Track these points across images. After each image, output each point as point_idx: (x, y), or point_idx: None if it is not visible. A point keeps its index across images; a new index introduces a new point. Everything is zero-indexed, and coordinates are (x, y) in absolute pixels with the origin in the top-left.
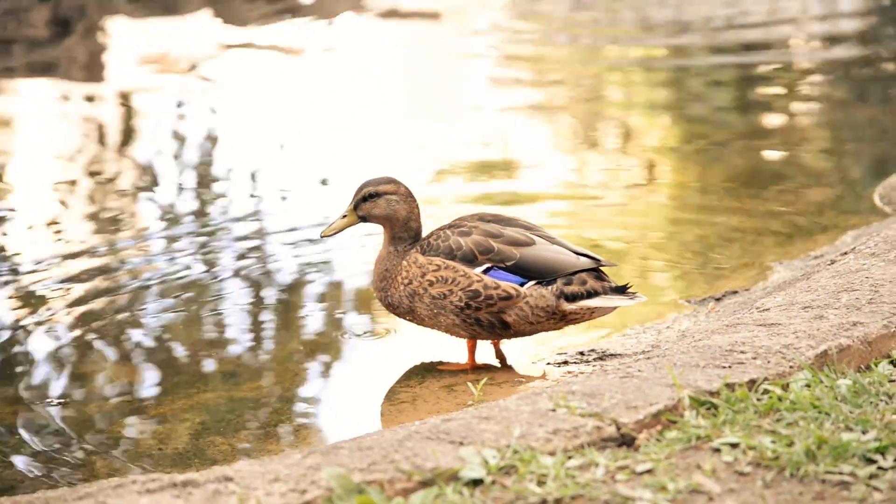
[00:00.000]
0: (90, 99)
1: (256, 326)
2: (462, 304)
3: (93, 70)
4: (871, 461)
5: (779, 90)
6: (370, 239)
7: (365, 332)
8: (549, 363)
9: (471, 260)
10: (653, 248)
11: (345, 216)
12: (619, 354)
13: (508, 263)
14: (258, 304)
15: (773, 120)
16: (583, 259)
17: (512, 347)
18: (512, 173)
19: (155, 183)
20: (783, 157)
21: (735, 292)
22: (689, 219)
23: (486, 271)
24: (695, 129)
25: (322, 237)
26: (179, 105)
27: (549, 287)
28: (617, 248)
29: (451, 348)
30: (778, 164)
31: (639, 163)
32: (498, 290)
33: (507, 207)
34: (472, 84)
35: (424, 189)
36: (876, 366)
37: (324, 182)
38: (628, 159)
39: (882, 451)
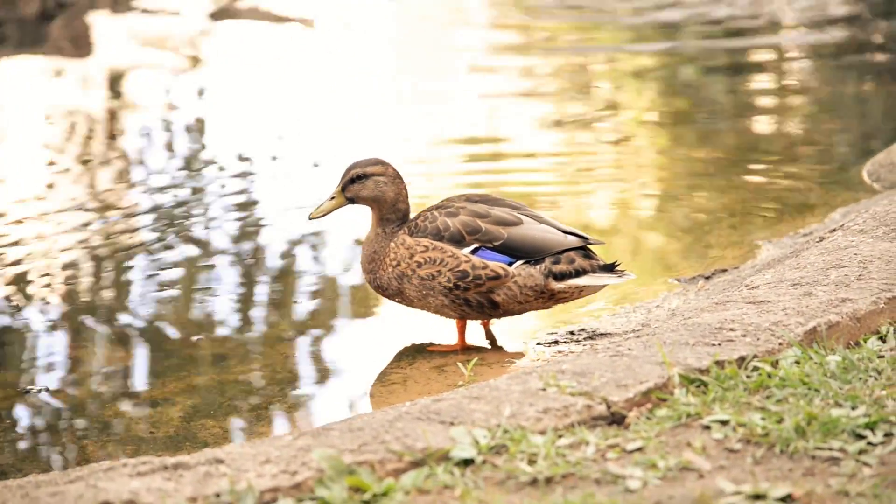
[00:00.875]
0: (79, 77)
1: (247, 309)
2: (451, 284)
3: (81, 47)
4: (860, 437)
5: (767, 70)
6: (359, 220)
7: (355, 314)
8: (539, 343)
9: (458, 240)
10: (642, 227)
11: (333, 198)
12: (610, 333)
13: (496, 243)
14: (248, 286)
15: (761, 99)
16: (571, 238)
17: (502, 327)
18: (499, 154)
19: (142, 163)
20: (771, 135)
21: (724, 270)
22: (679, 197)
23: (474, 251)
24: (683, 108)
25: (310, 219)
26: (167, 85)
27: (538, 266)
28: (606, 227)
29: (440, 329)
30: (766, 143)
31: (627, 142)
32: (486, 269)
33: (496, 188)
34: (462, 62)
35: (413, 168)
36: (865, 342)
37: (315, 164)
38: (617, 139)
39: (871, 426)
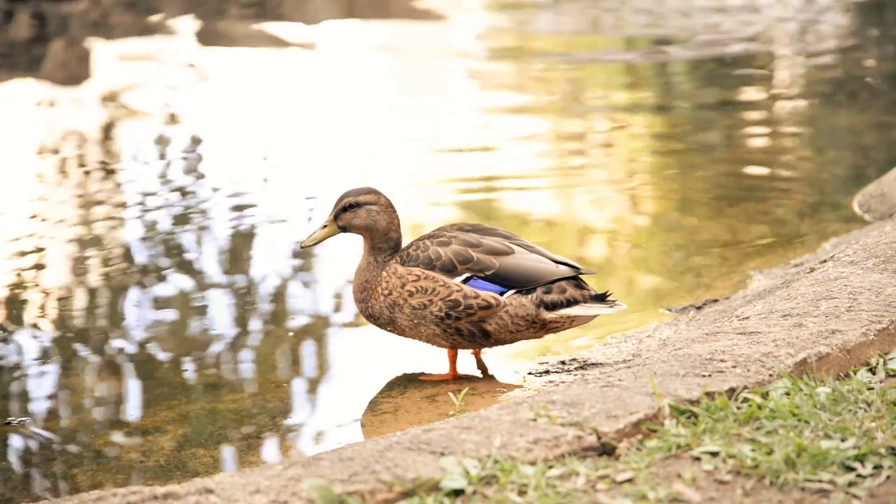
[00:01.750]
0: (73, 101)
1: (238, 337)
2: (442, 314)
3: (75, 71)
4: (850, 469)
5: (760, 101)
6: (351, 248)
7: (346, 343)
8: (530, 372)
9: (450, 270)
10: (634, 257)
11: (325, 226)
12: (601, 363)
13: (488, 273)
14: (240, 314)
15: (753, 128)
16: (562, 267)
17: (493, 357)
18: (493, 181)
19: (136, 189)
20: (763, 165)
21: (715, 300)
22: (670, 227)
23: (465, 281)
24: (676, 140)
25: (302, 247)
26: (162, 107)
27: (529, 296)
28: (598, 257)
29: (432, 358)
30: (758, 173)
31: (620, 173)
32: (478, 299)
33: (488, 216)
34: (455, 85)
35: (403, 196)
36: (855, 374)
37: (309, 191)
38: (609, 170)
39: (861, 458)
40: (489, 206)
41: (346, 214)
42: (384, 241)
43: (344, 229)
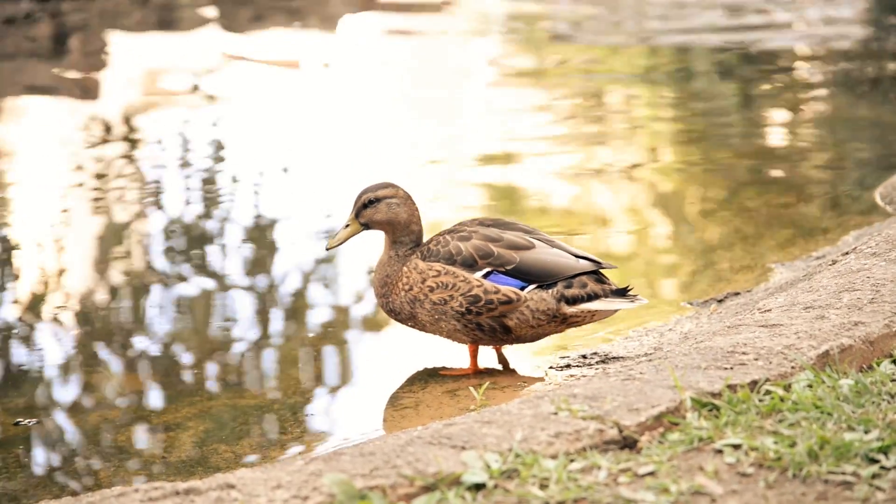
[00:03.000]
0: (91, 113)
1: (260, 333)
2: (463, 309)
3: (93, 86)
4: (873, 461)
5: (782, 91)
6: (372, 245)
7: (367, 338)
8: (551, 366)
9: (471, 265)
10: (655, 250)
11: (347, 225)
12: (622, 357)
13: (508, 267)
14: (262, 311)
15: (775, 121)
16: (583, 262)
17: (514, 351)
18: (513, 172)
19: (158, 193)
20: (785, 157)
21: (737, 293)
22: (692, 220)
23: (486, 276)
24: (698, 132)
25: (327, 249)
26: (182, 118)
27: (550, 290)
28: (619, 251)
29: (453, 353)
30: (780, 165)
31: (640, 167)
32: (498, 294)
33: (509, 210)
34: (473, 86)
35: (424, 194)
36: (878, 365)
37: (327, 191)
38: (631, 163)
39: (885, 450)
40: (510, 203)
41: (366, 211)
42: (406, 234)
43: (366, 226)
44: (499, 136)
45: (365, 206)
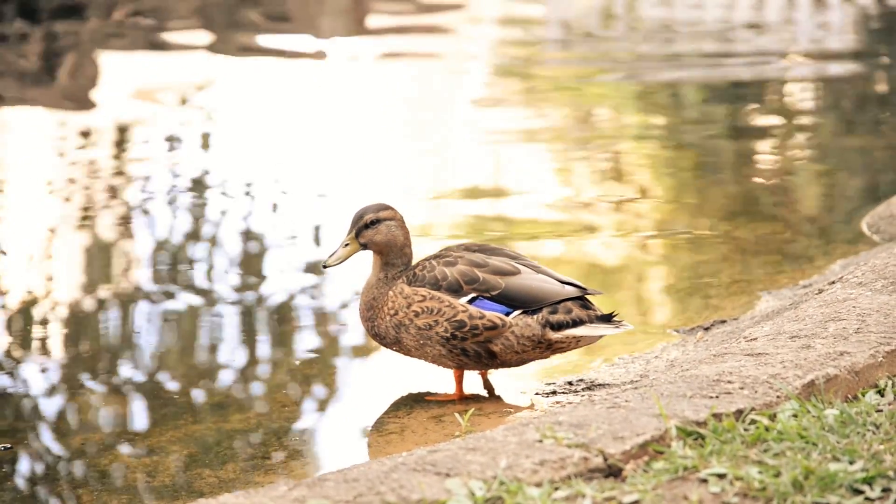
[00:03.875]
0: (82, 130)
1: (246, 357)
2: (448, 334)
3: (83, 101)
4: (858, 492)
5: (771, 118)
6: (361, 266)
7: (353, 363)
8: (537, 393)
9: (456, 290)
10: (642, 277)
11: (347, 245)
12: (608, 384)
13: (494, 293)
14: (249, 334)
15: (764, 148)
16: (568, 287)
17: (500, 377)
18: (502, 199)
19: (146, 212)
20: (773, 186)
21: (723, 321)
22: (679, 247)
23: (471, 301)
24: (686, 159)
25: (325, 267)
26: (171, 134)
27: (535, 316)
28: (606, 277)
29: (438, 378)
30: (768, 194)
31: (629, 191)
32: (483, 319)
33: (497, 233)
34: (462, 107)
35: (414, 215)
36: (863, 395)
37: (318, 215)
38: (619, 187)
39: (869, 481)
40: (498, 230)
41: (367, 231)
42: (399, 257)
43: (364, 246)
44: (487, 164)
45: (367, 226)
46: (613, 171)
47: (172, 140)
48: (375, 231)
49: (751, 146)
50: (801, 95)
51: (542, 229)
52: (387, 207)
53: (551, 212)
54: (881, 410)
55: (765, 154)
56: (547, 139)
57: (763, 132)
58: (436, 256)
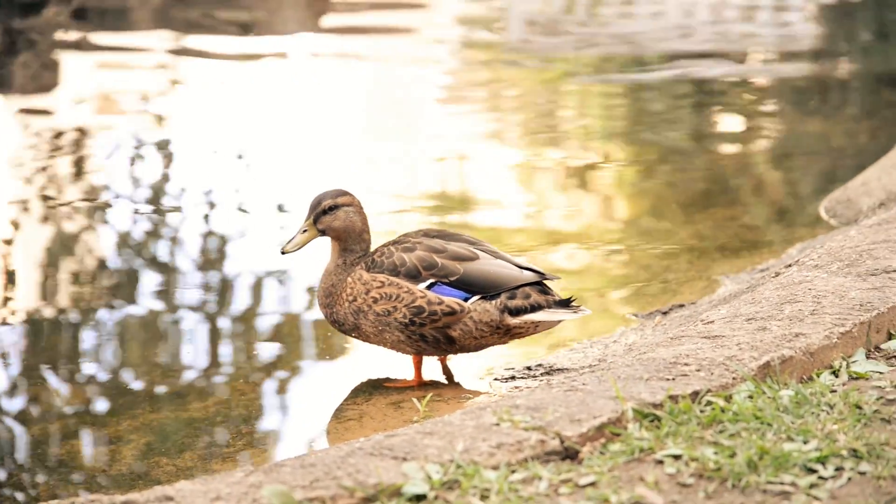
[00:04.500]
0: (39, 129)
1: (206, 346)
2: (406, 320)
3: (45, 82)
4: (811, 471)
5: (731, 107)
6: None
7: (312, 350)
8: (495, 378)
9: (415, 276)
10: (601, 263)
11: (305, 231)
12: (566, 369)
13: (452, 279)
14: (209, 323)
15: (724, 136)
16: (526, 273)
17: (459, 363)
18: (464, 198)
19: (107, 206)
20: (734, 172)
21: (682, 306)
22: (638, 233)
23: (430, 287)
24: (647, 150)
25: (283, 254)
26: (129, 135)
27: (493, 301)
28: (566, 263)
29: (398, 365)
30: (728, 180)
31: (590, 180)
32: (442, 305)
33: (458, 218)
34: (426, 106)
35: (375, 207)
36: (818, 376)
37: (280, 206)
38: (581, 176)
39: (823, 460)
40: (458, 216)
41: (325, 217)
42: (358, 243)
43: (323, 233)
44: (447, 154)
45: (324, 212)
46: (575, 165)
47: (131, 142)
48: (333, 217)
49: (712, 136)
50: (762, 86)
51: (505, 222)
52: (345, 193)
53: (513, 205)
54: (835, 391)
55: (726, 143)
56: (508, 138)
57: (724, 123)
58: (394, 242)
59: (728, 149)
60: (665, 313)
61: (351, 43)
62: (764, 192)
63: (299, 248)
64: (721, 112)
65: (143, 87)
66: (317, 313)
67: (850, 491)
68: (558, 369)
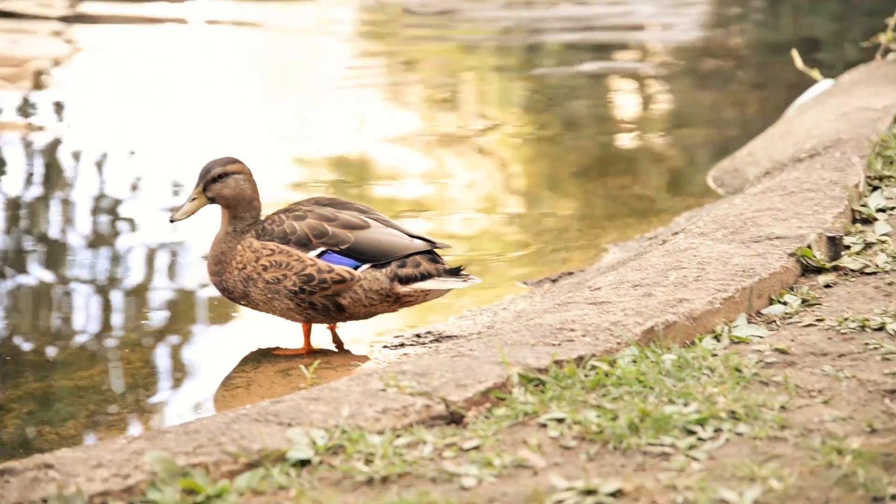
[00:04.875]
0: None
1: (95, 314)
2: (296, 288)
3: None
4: (691, 433)
5: (625, 78)
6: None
7: (202, 319)
8: (385, 346)
9: (305, 244)
10: (493, 232)
11: (194, 199)
12: (455, 336)
13: (343, 247)
14: (98, 293)
15: (619, 107)
16: (417, 241)
17: (348, 331)
18: (365, 164)
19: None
20: (626, 143)
21: (571, 273)
22: (530, 202)
23: (320, 255)
24: (541, 118)
25: (172, 222)
26: (24, 101)
27: (384, 270)
28: (459, 232)
29: (287, 333)
30: (621, 151)
31: (486, 148)
32: (332, 273)
33: (356, 187)
34: (328, 72)
35: (271, 177)
36: (700, 341)
37: (173, 174)
38: (475, 145)
39: (702, 422)
40: (355, 184)
41: (215, 185)
42: (247, 211)
43: (212, 200)
44: (347, 123)
45: (214, 180)
46: (471, 134)
47: (24, 110)
48: (224, 185)
49: (607, 108)
50: (656, 57)
51: (401, 191)
52: (235, 161)
53: (410, 173)
54: (716, 355)
55: (620, 115)
56: (407, 105)
57: (619, 95)
58: (285, 210)
59: (622, 120)
60: (554, 281)
61: (250, 10)
62: (655, 162)
63: (188, 217)
64: (615, 84)
65: (37, 53)
66: (207, 282)
67: (727, 451)
68: (447, 336)
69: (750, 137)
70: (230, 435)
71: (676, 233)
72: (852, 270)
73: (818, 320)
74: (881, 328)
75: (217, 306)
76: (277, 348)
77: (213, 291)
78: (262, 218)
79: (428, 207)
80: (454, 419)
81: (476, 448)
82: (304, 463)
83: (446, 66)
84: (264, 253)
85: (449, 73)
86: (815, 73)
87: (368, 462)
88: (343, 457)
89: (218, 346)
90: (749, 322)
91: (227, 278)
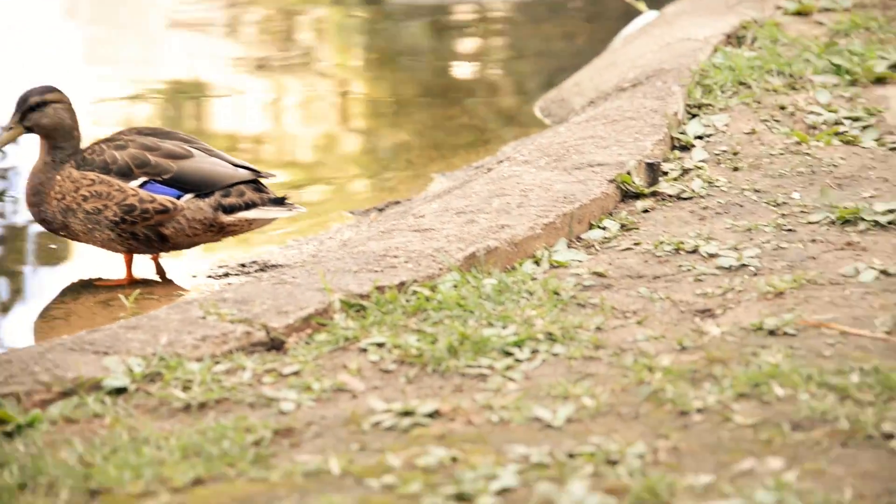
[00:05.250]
0: None
1: None
2: (117, 218)
3: None
4: (509, 354)
5: (460, 11)
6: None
7: (21, 250)
8: (209, 276)
9: (126, 174)
10: (320, 161)
11: (10, 128)
12: (281, 265)
13: (165, 177)
14: None
15: (451, 40)
16: (241, 171)
17: (172, 261)
18: (199, 89)
19: None
20: (459, 75)
21: (398, 202)
22: (358, 132)
23: (142, 185)
24: (379, 50)
25: None
26: None
27: (207, 199)
28: (286, 161)
29: (109, 264)
30: (454, 83)
31: (316, 79)
32: (154, 203)
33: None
34: (158, 31)
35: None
36: (521, 266)
37: None
38: (312, 82)
39: (519, 344)
40: (187, 113)
41: (33, 115)
42: (67, 141)
43: (30, 130)
44: (178, 54)
45: (32, 109)
46: (303, 64)
47: None
48: (42, 114)
49: (441, 39)
50: None
51: (230, 119)
52: (53, 90)
53: (244, 101)
54: (536, 279)
55: (453, 47)
56: (242, 35)
57: (453, 29)
58: (106, 140)
59: (460, 53)
60: (381, 210)
61: None
62: (484, 93)
63: (4, 146)
64: (450, 17)
65: None
66: (25, 213)
67: (543, 372)
68: (272, 265)
69: (578, 69)
70: (44, 364)
71: (501, 161)
72: (669, 196)
73: (635, 244)
74: (695, 251)
75: (36, 238)
76: (99, 279)
77: (32, 222)
78: (83, 148)
79: (257, 138)
80: (275, 346)
81: (296, 373)
82: (120, 391)
83: (284, 15)
84: (84, 183)
85: (286, 19)
86: (641, 5)
87: (186, 389)
88: (160, 384)
89: (36, 278)
90: (569, 247)
91: (46, 209)
